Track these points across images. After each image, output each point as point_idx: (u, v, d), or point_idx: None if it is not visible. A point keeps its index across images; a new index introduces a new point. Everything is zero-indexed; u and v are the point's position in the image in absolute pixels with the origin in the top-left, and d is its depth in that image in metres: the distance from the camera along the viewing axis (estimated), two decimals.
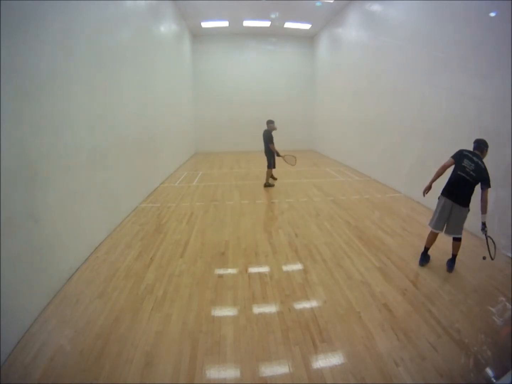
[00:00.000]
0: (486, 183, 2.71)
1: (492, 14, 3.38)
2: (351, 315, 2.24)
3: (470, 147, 3.75)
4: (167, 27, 7.22)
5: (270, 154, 5.98)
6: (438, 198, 2.94)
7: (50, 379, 1.74)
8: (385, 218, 4.20)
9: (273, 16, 9.23)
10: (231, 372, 1.80)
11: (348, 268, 2.92)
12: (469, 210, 2.82)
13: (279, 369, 1.81)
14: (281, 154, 5.98)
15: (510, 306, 2.38)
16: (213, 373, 1.79)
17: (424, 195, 3.04)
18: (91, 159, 3.33)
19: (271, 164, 6.05)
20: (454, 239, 2.91)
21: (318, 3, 8.08)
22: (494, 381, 1.70)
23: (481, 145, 2.84)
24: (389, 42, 5.82)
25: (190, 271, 2.90)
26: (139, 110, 5.09)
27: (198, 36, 10.79)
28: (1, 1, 1.96)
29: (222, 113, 11.39)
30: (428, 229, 2.98)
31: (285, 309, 2.33)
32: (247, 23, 9.85)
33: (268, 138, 5.91)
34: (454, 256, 2.95)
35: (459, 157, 2.86)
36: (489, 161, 3.48)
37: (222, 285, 2.66)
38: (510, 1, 3.01)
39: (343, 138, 8.69)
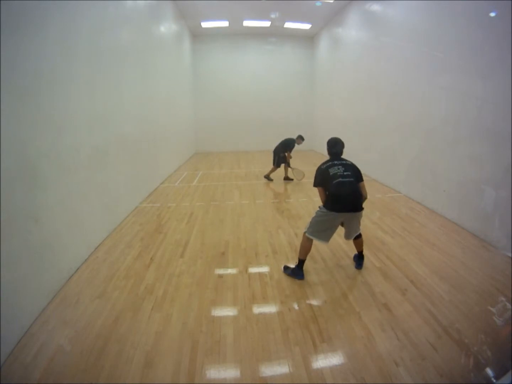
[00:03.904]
0: (361, 178, 2.64)
1: (492, 14, 3.38)
2: (351, 315, 2.24)
3: (470, 147, 3.78)
4: (167, 27, 7.22)
5: (278, 154, 6.35)
6: (321, 211, 2.60)
7: (50, 379, 1.74)
8: (385, 218, 4.20)
9: (273, 16, 9.22)
10: (231, 372, 1.80)
11: (348, 268, 2.92)
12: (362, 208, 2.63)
13: (279, 369, 1.81)
14: (291, 166, 6.39)
15: (510, 306, 2.38)
16: (213, 373, 1.79)
17: None
18: (91, 159, 3.33)
19: (274, 163, 6.44)
20: (355, 238, 2.77)
21: (318, 3, 8.07)
22: (494, 381, 1.70)
23: (340, 150, 2.71)
24: (389, 42, 5.82)
25: (190, 271, 2.90)
26: (139, 110, 5.09)
27: (198, 36, 10.79)
28: (1, 1, 1.96)
29: (222, 113, 11.38)
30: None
31: (285, 309, 2.32)
32: (247, 23, 9.84)
33: (288, 145, 6.30)
34: (361, 252, 2.87)
35: (323, 175, 2.60)
36: (489, 161, 3.50)
37: (222, 285, 2.66)
38: (510, 1, 3.01)
39: (343, 138, 8.52)
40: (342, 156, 2.78)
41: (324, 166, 2.64)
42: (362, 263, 2.89)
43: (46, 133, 2.55)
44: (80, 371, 1.79)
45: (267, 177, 6.64)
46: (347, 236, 2.79)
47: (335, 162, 2.64)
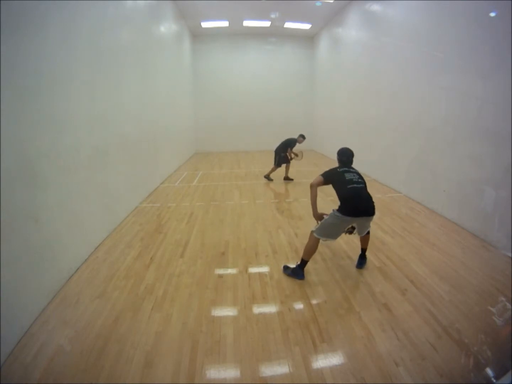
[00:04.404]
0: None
1: (492, 14, 3.38)
2: (351, 315, 2.24)
3: (470, 147, 3.78)
4: (167, 27, 7.22)
5: (279, 154, 6.38)
6: (336, 215, 2.56)
7: (50, 379, 1.74)
8: (385, 218, 4.20)
9: (273, 16, 9.21)
10: (231, 372, 1.80)
11: (348, 268, 2.92)
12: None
13: (279, 369, 1.81)
14: (292, 155, 6.44)
15: (510, 306, 2.38)
16: (213, 373, 1.79)
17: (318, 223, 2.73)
18: (91, 159, 3.33)
19: (275, 162, 6.46)
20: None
21: (318, 3, 8.07)
22: (494, 381, 1.70)
23: (350, 158, 2.78)
24: (389, 42, 5.82)
25: (190, 271, 2.90)
26: (139, 110, 5.09)
27: (198, 36, 10.78)
28: (1, 1, 1.96)
29: (222, 113, 11.38)
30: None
31: (285, 309, 2.32)
32: (247, 23, 9.84)
33: (289, 144, 6.34)
34: (365, 250, 2.91)
35: (336, 175, 2.68)
36: (489, 161, 3.50)
37: (222, 285, 2.66)
38: (510, 1, 3.01)
39: (343, 138, 8.66)
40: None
41: (341, 170, 2.70)
42: (363, 263, 2.90)
43: (46, 133, 2.55)
44: (80, 371, 1.79)
45: (267, 177, 6.64)
46: (359, 233, 2.81)
47: (351, 169, 2.72)
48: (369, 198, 2.62)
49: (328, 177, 2.69)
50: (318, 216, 2.71)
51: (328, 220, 2.63)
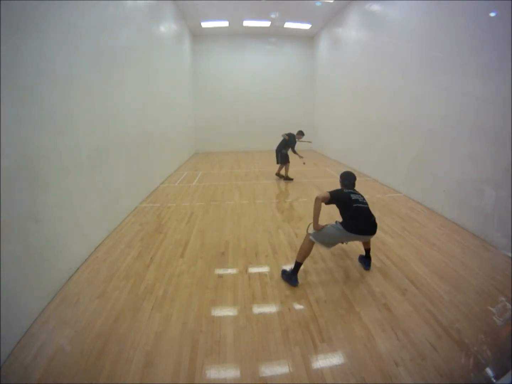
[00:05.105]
0: None
1: (492, 14, 3.38)
2: (351, 315, 2.24)
3: (470, 147, 3.78)
4: (167, 27, 7.22)
5: (280, 152, 6.47)
6: (339, 228, 2.59)
7: (50, 379, 1.74)
8: (385, 218, 4.19)
9: (273, 16, 9.22)
10: (231, 372, 1.80)
11: (348, 268, 2.92)
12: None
13: (279, 369, 1.81)
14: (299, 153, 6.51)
15: (510, 306, 2.38)
16: (213, 373, 1.79)
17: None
18: (91, 159, 3.33)
19: (278, 161, 6.58)
20: None
21: (318, 3, 8.07)
22: (494, 381, 1.70)
23: (352, 181, 2.86)
24: (389, 42, 5.81)
25: (190, 271, 2.90)
26: (139, 110, 5.09)
27: (198, 36, 10.79)
28: (1, 1, 1.96)
29: (222, 113, 11.39)
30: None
31: (285, 309, 2.33)
32: (247, 23, 9.84)
33: (291, 143, 6.38)
34: (369, 250, 2.93)
35: (342, 195, 2.72)
36: (489, 161, 3.50)
37: (222, 285, 2.66)
38: (510, 1, 3.01)
39: (343, 138, 8.70)
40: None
41: (346, 191, 2.77)
42: (369, 263, 2.91)
43: (46, 133, 2.55)
44: (80, 371, 1.79)
45: (278, 174, 6.74)
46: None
47: (355, 191, 2.80)
48: (372, 219, 2.67)
49: (335, 196, 2.68)
50: (319, 229, 2.69)
51: (329, 231, 2.63)
